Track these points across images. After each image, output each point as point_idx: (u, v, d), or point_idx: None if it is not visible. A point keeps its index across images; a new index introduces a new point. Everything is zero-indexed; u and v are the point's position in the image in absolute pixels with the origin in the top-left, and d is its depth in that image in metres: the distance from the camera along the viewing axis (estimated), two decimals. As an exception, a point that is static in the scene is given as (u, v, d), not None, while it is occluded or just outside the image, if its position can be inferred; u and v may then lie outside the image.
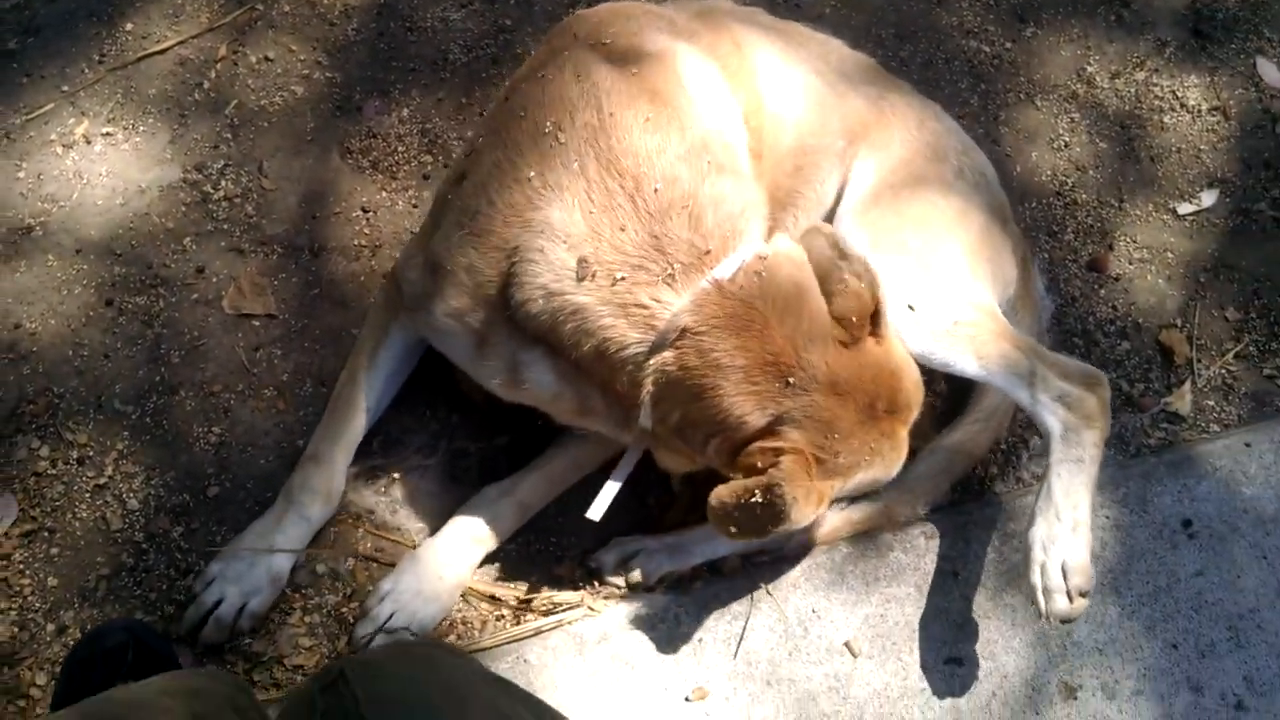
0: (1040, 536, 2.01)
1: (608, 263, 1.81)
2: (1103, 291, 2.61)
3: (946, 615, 2.20)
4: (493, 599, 2.15)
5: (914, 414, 1.95)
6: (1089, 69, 2.88)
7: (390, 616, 2.05)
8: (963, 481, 2.35)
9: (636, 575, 2.14)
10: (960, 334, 2.04)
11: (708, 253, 1.82)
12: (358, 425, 2.13)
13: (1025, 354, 2.07)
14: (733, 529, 1.81)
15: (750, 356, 1.78)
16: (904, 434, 1.93)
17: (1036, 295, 2.40)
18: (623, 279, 1.81)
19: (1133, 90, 2.86)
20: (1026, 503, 2.29)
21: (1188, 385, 2.52)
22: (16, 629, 2.05)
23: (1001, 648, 2.19)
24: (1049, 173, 2.74)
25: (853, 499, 2.22)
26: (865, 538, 2.26)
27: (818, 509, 1.81)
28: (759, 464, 1.78)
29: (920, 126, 2.26)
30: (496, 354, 1.97)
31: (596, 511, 1.98)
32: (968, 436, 2.33)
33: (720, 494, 1.79)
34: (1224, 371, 2.55)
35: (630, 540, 2.19)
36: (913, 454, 2.33)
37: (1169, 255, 2.67)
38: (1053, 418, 2.06)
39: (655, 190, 1.83)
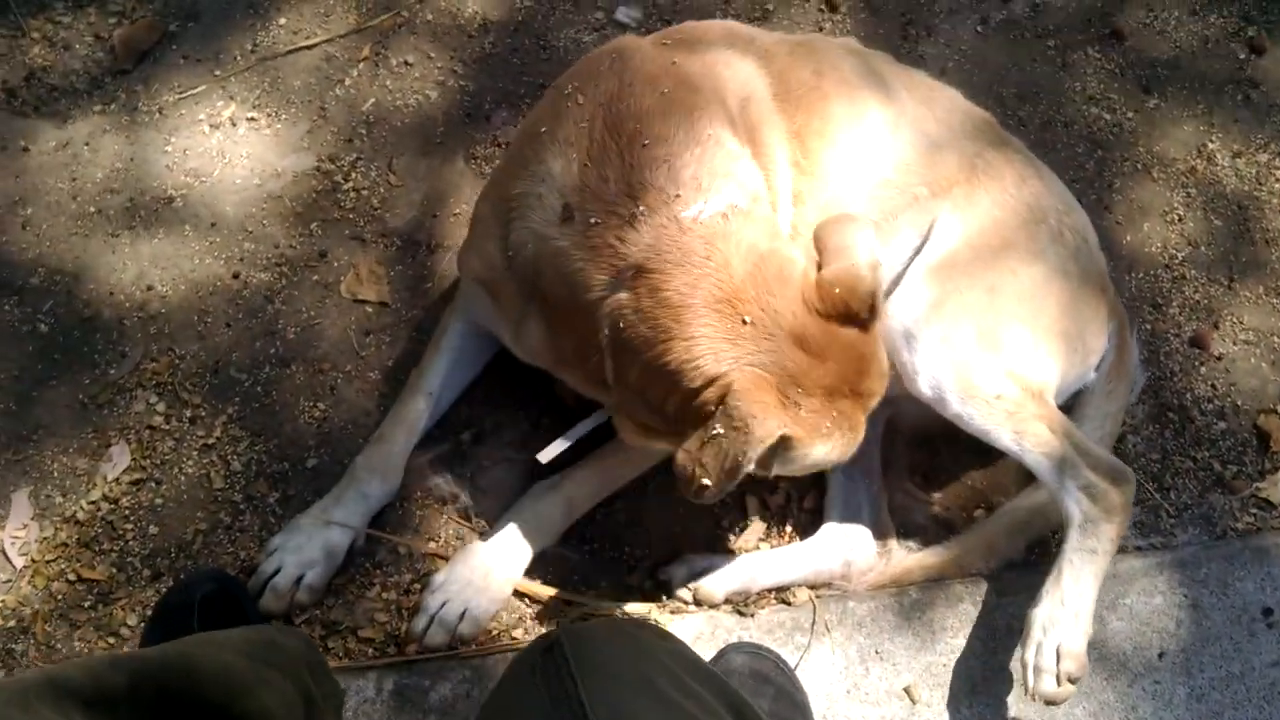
0: (1042, 617, 2.05)
1: (586, 209, 1.84)
2: (1203, 369, 2.58)
3: (1010, 675, 2.19)
4: (566, 603, 2.20)
5: (875, 401, 1.89)
6: (1210, 146, 2.86)
7: (442, 606, 2.10)
8: (1039, 542, 2.33)
9: (704, 592, 2.18)
10: (999, 408, 2.08)
11: (677, 196, 1.80)
12: (419, 408, 2.22)
13: (1062, 440, 2.09)
14: (703, 479, 1.72)
15: (703, 295, 1.74)
16: (863, 419, 1.87)
17: (1131, 366, 2.38)
18: (596, 223, 1.82)
19: (1254, 171, 2.83)
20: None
21: (1283, 473, 2.48)
22: (115, 569, 2.17)
23: (1062, 714, 2.17)
24: (1159, 245, 2.72)
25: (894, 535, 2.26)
26: (935, 585, 2.26)
27: (781, 428, 1.72)
28: (711, 404, 1.72)
29: (1020, 184, 2.25)
30: (508, 306, 2.05)
31: (546, 455, 1.98)
32: (1049, 500, 2.31)
33: (685, 445, 1.74)
34: (1322, 463, 2.50)
35: (700, 558, 2.23)
36: (990, 508, 2.37)
37: (1275, 340, 2.63)
38: (1075, 506, 2.09)
39: (644, 145, 1.84)
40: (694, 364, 1.74)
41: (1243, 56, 2.97)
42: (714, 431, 1.71)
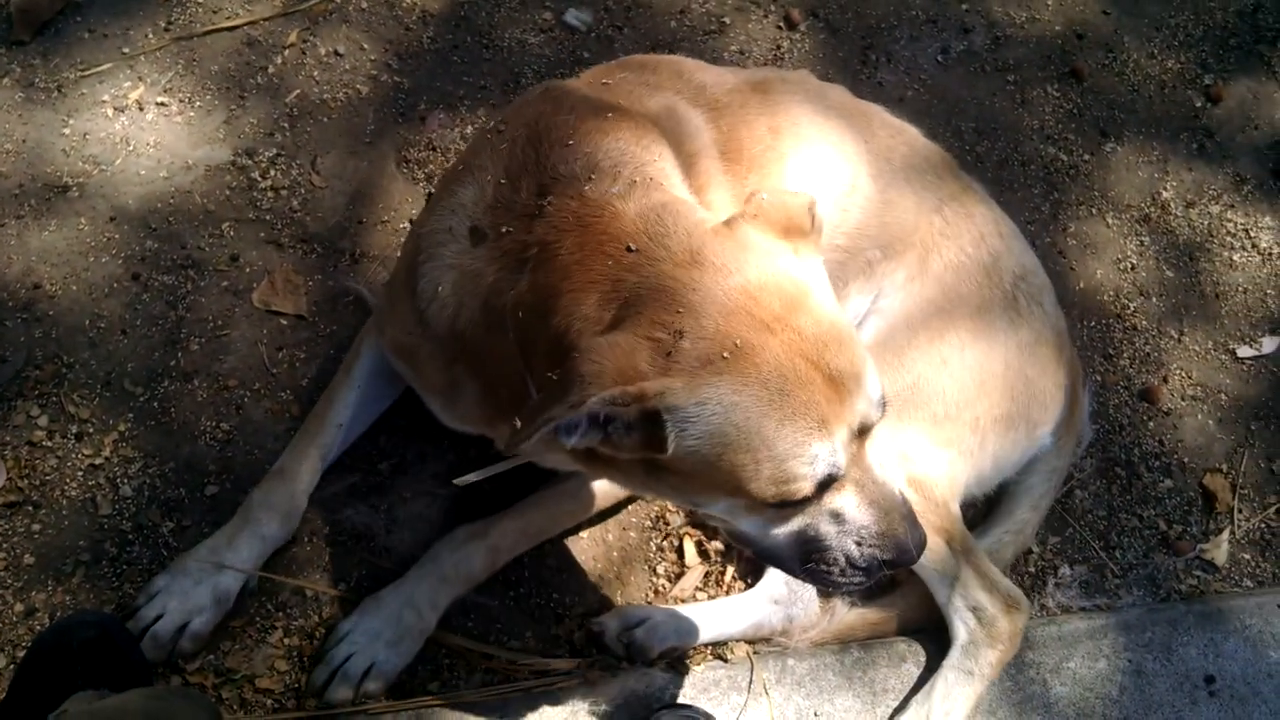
0: None
1: (498, 224, 1.65)
2: (1151, 424, 2.52)
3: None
4: (486, 657, 2.03)
5: (850, 379, 1.47)
6: (1164, 194, 2.81)
7: (346, 660, 1.93)
8: (985, 599, 2.24)
9: (638, 646, 2.03)
10: None
11: (590, 178, 1.60)
12: (326, 440, 2.05)
13: (957, 554, 2.05)
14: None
15: (593, 244, 1.52)
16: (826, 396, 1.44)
17: (1082, 421, 2.32)
18: (507, 232, 1.64)
19: (1206, 222, 2.80)
20: (1049, 632, 2.21)
21: (1226, 534, 2.43)
22: (-17, 604, 1.94)
23: (1005, 784, 2.08)
24: (1111, 293, 2.66)
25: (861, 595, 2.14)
26: (879, 643, 2.15)
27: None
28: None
29: (978, 244, 2.16)
30: (432, 374, 1.87)
31: (464, 480, 1.76)
32: (994, 547, 2.23)
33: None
34: (1264, 525, 2.46)
35: (635, 609, 2.09)
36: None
37: (1222, 396, 2.59)
38: (961, 626, 2.06)
39: (567, 145, 1.66)
40: (582, 312, 1.48)
41: (1199, 104, 2.94)
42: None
